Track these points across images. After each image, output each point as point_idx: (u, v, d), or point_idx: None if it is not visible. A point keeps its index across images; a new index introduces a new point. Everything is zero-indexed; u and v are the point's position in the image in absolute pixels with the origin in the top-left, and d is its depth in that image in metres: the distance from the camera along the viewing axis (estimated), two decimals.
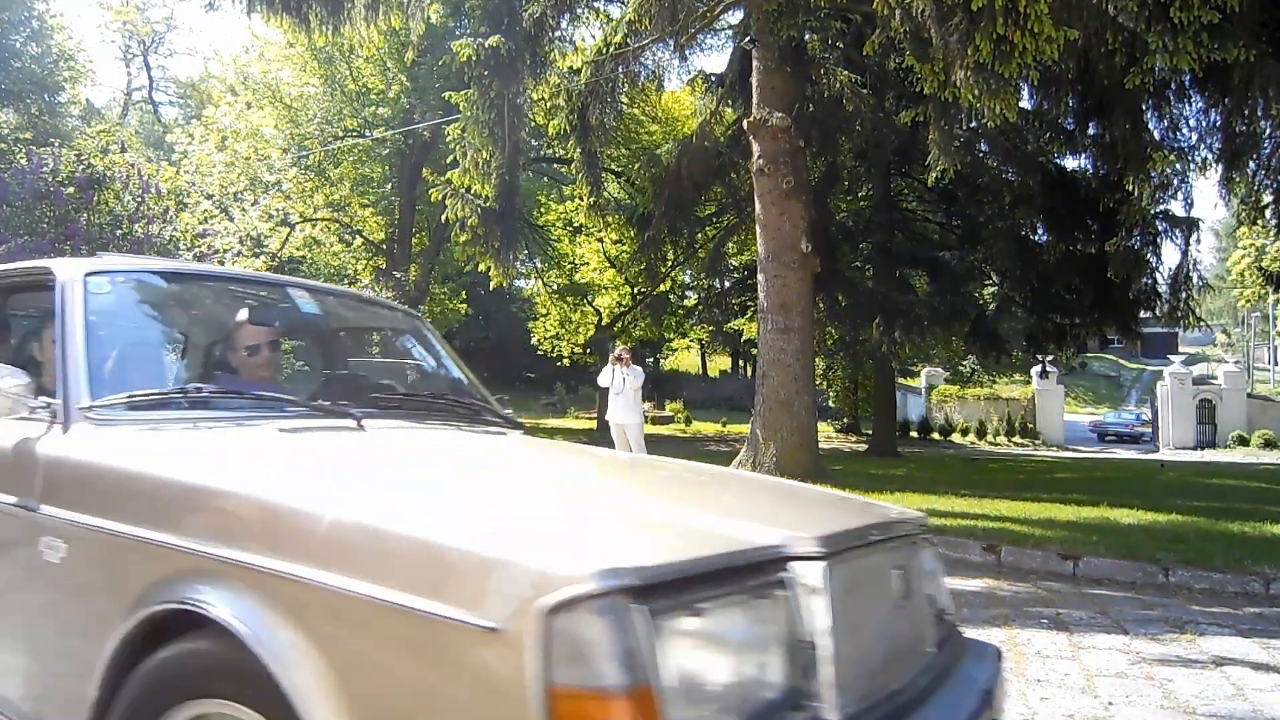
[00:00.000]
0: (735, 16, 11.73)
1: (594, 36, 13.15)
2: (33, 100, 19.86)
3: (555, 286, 23.66)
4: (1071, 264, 13.70)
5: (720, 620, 1.13)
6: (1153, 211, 11.35)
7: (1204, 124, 10.12)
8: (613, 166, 19.30)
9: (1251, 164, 10.10)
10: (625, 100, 12.97)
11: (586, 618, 1.00)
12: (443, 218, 12.32)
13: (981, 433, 29.27)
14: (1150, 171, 9.46)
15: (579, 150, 11.59)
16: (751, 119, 9.54)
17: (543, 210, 22.81)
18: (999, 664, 1.71)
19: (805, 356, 9.59)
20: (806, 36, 10.73)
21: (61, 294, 1.97)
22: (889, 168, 15.59)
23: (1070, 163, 13.99)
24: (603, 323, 23.94)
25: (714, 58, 24.31)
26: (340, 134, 19.58)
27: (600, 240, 22.00)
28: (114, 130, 14.94)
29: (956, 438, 28.56)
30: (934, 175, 8.65)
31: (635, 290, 22.79)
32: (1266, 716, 2.79)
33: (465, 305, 25.60)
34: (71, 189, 11.78)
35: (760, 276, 9.68)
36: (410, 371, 2.95)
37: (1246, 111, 8.97)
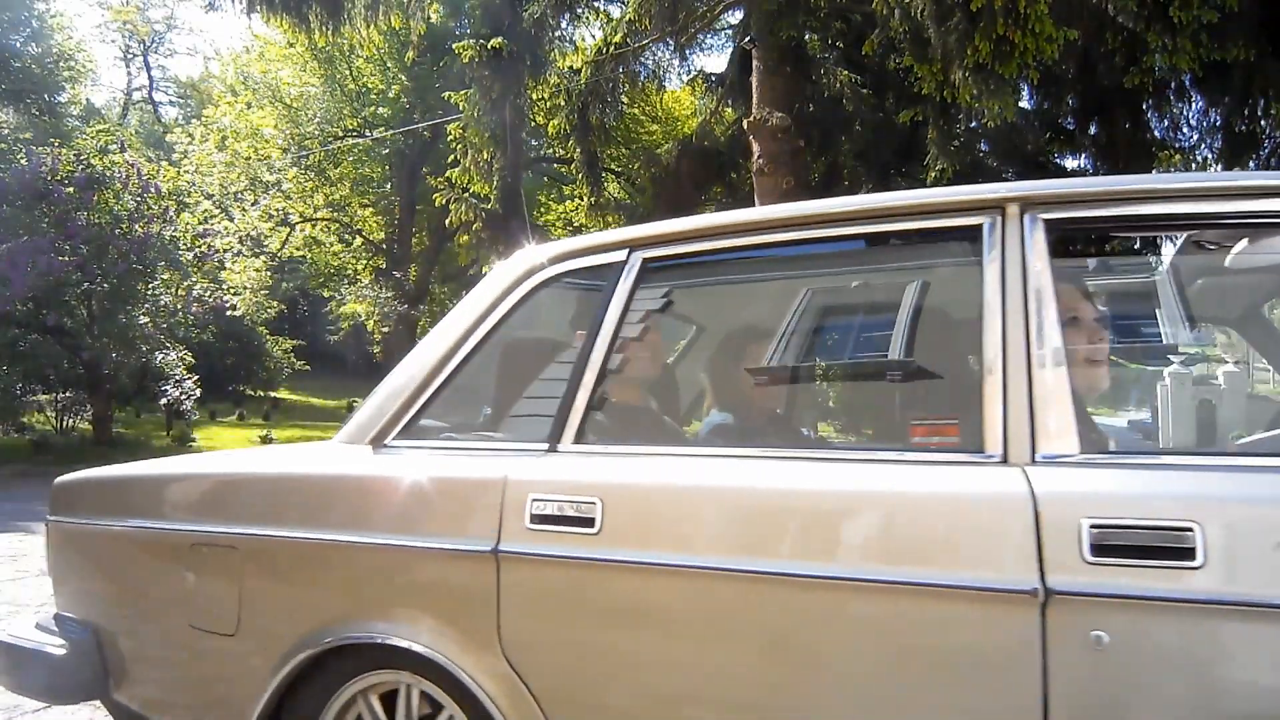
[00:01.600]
0: (735, 16, 11.73)
1: (594, 36, 13.15)
2: (33, 100, 19.85)
3: None
4: None
5: None
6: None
7: (1204, 124, 10.13)
8: (613, 166, 19.30)
9: (1251, 164, 10.10)
10: (625, 100, 12.96)
11: None
12: (447, 222, 12.32)
13: None
14: (1153, 171, 9.46)
15: (579, 150, 11.60)
16: (751, 119, 9.54)
17: (543, 210, 22.82)
18: None
19: None
20: (806, 36, 10.73)
21: None
22: (889, 168, 15.57)
23: (1070, 163, 13.97)
24: None
25: (714, 58, 24.33)
26: (340, 134, 19.59)
27: None
28: (114, 130, 14.94)
29: None
30: (931, 175, 8.65)
31: None
32: None
33: None
34: (71, 189, 11.78)
35: None
36: None
37: (1246, 111, 8.98)
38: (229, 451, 2.52)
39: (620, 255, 1.74)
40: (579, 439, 1.65)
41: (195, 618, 1.91)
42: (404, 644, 1.64)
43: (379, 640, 1.67)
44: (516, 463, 1.65)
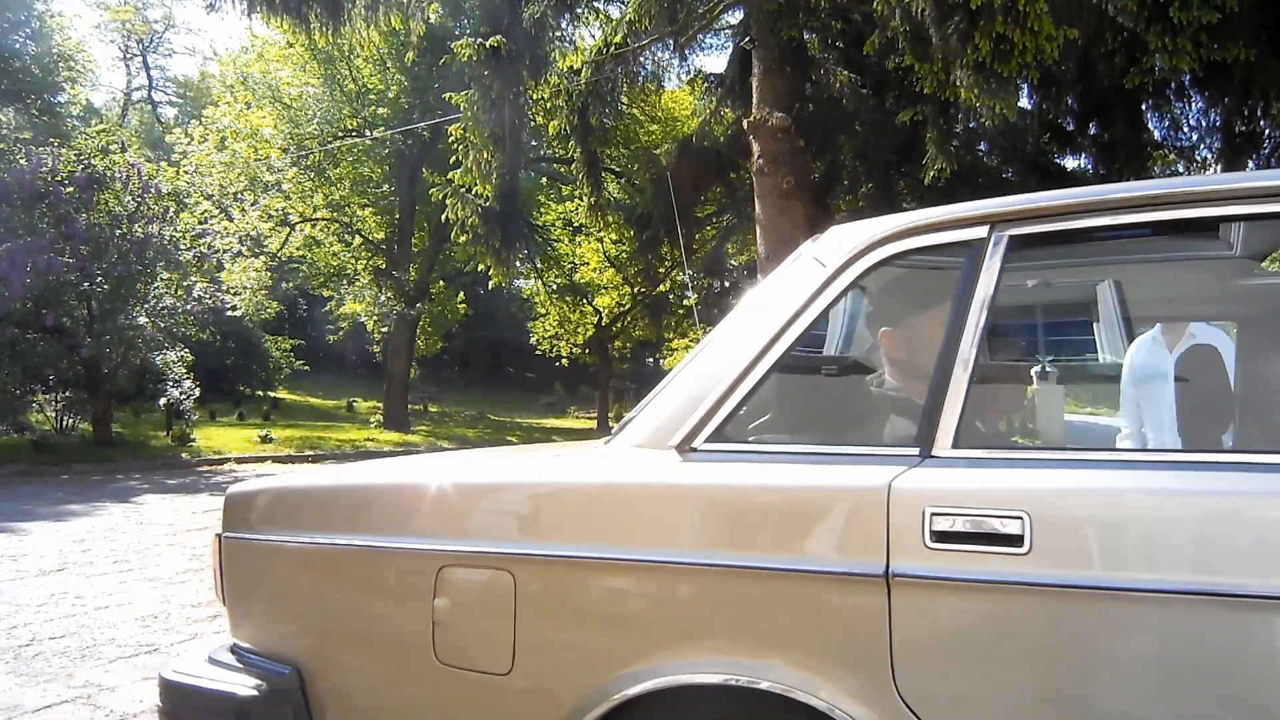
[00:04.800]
0: (735, 16, 11.74)
1: (594, 36, 13.16)
2: (33, 100, 19.85)
3: (555, 286, 23.69)
4: None
5: None
6: None
7: (1204, 124, 10.14)
8: (613, 166, 19.30)
9: (1251, 164, 10.11)
10: (625, 100, 12.98)
11: None
12: (443, 218, 12.34)
13: None
14: (1151, 171, 9.47)
15: (579, 150, 11.62)
16: (751, 119, 9.55)
17: (543, 210, 22.83)
18: None
19: None
20: (806, 36, 10.74)
21: None
22: (889, 167, 15.59)
23: (1070, 163, 13.99)
24: (602, 323, 23.96)
25: (714, 58, 24.32)
26: (340, 134, 19.58)
27: (600, 240, 22.03)
28: (114, 130, 14.93)
29: None
30: (929, 175, 8.66)
31: (635, 290, 22.80)
32: None
33: (465, 305, 25.61)
34: (71, 189, 11.79)
35: (760, 276, 9.69)
36: None
37: (1246, 111, 8.99)
38: (471, 454, 2.21)
39: (980, 231, 1.52)
40: (959, 443, 1.42)
41: (447, 652, 1.62)
42: (751, 684, 1.38)
43: (723, 682, 1.40)
44: (895, 470, 1.40)
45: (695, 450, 1.58)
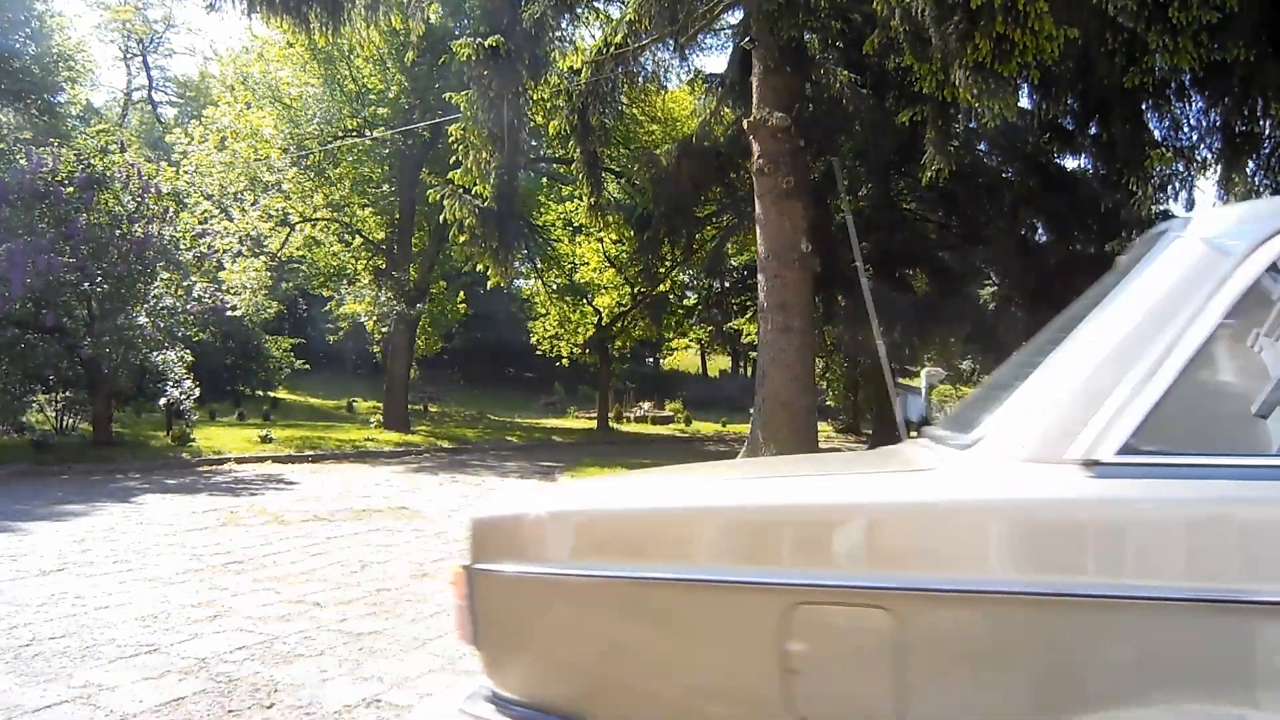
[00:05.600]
0: (735, 16, 11.76)
1: (594, 36, 13.17)
2: (33, 100, 19.85)
3: (555, 286, 23.68)
4: (1072, 264, 13.73)
5: None
6: (1153, 211, 11.38)
7: (1204, 124, 10.15)
8: (613, 166, 19.30)
9: (1251, 164, 10.13)
10: (625, 100, 12.99)
11: None
12: (441, 218, 12.34)
13: None
14: (1150, 171, 9.48)
15: (579, 150, 11.63)
16: (751, 119, 9.56)
17: (543, 210, 22.82)
18: None
19: (805, 356, 9.61)
20: (806, 36, 10.74)
21: None
22: (889, 168, 15.62)
23: (1070, 163, 14.01)
24: (602, 323, 23.95)
25: (714, 58, 24.39)
26: (340, 134, 19.57)
27: (600, 240, 22.03)
28: (113, 130, 14.93)
29: None
30: (928, 175, 8.68)
31: (635, 290, 22.81)
32: None
33: (465, 305, 25.61)
34: (71, 189, 11.79)
35: (760, 276, 9.71)
36: None
37: (1246, 111, 9.00)
38: (793, 469, 1.86)
39: None
40: None
41: (812, 707, 1.38)
42: None
43: None
44: None
45: (1104, 464, 1.33)
